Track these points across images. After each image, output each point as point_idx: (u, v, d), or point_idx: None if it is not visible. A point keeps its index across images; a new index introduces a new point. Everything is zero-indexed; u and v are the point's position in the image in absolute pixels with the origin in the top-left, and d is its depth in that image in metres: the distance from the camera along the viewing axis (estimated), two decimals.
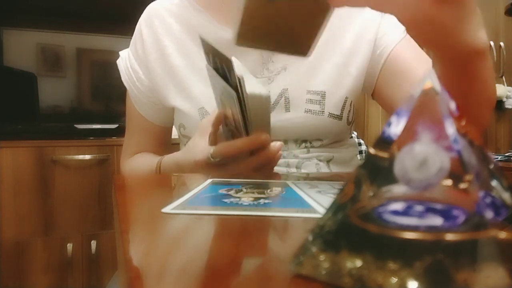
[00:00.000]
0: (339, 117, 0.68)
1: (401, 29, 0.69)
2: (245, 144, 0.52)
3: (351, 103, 0.70)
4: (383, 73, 0.69)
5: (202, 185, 0.40)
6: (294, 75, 0.68)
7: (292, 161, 0.67)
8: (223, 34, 0.68)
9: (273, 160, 0.54)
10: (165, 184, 0.51)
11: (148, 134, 0.79)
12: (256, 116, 0.51)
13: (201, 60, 0.67)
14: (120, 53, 0.79)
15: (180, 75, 0.70)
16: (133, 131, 0.80)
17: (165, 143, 0.82)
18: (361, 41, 0.69)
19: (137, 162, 0.77)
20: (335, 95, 0.67)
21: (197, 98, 0.68)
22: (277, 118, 0.66)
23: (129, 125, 0.80)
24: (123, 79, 0.77)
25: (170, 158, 0.65)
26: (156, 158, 0.68)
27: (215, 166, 0.54)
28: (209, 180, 0.43)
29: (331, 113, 0.67)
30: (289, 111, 0.67)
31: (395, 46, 0.68)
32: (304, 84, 0.68)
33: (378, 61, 0.69)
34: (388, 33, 0.69)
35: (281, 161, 0.66)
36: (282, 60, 0.69)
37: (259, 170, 0.53)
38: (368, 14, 0.70)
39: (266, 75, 0.69)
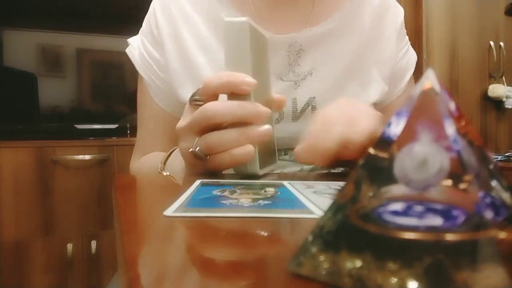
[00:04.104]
0: None
1: (407, 75, 0.73)
2: (221, 76, 0.44)
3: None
4: None
5: (192, 187, 0.39)
6: (322, 83, 0.65)
7: (306, 167, 0.64)
8: None
9: (258, 115, 0.43)
10: (165, 184, 0.51)
11: (167, 129, 0.68)
12: (234, 50, 0.45)
13: (221, 56, 0.65)
14: (129, 40, 0.71)
15: (199, 72, 0.64)
16: (148, 127, 0.71)
17: None
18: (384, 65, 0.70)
19: (147, 158, 0.69)
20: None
21: None
22: (303, 127, 0.62)
23: (143, 121, 0.72)
24: (139, 69, 0.69)
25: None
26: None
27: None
28: (198, 182, 0.42)
29: None
30: None
31: (395, 99, 0.72)
32: (333, 94, 0.64)
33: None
34: (396, 81, 0.72)
35: (294, 168, 0.64)
36: (309, 63, 0.66)
37: (246, 135, 0.43)
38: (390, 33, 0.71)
39: (292, 79, 0.65)
